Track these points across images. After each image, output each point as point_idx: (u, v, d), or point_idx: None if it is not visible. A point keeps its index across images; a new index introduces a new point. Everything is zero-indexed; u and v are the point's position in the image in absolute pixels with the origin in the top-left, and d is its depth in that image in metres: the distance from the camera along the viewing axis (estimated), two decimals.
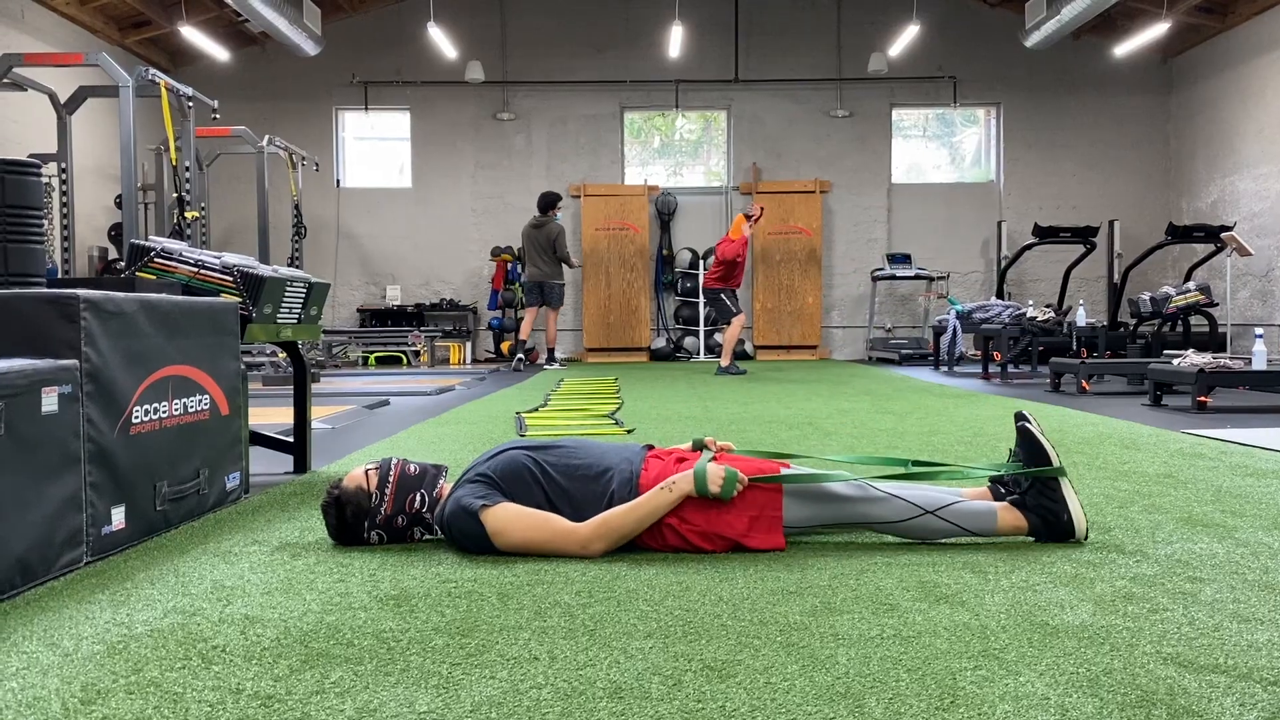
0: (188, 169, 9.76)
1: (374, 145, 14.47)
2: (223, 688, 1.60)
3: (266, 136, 11.55)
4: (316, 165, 12.62)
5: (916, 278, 13.39)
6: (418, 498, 2.60)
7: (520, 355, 11.30)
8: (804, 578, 2.22)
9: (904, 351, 12.38)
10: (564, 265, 11.23)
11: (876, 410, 6.17)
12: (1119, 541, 2.57)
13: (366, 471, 2.61)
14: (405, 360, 12.25)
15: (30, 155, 9.84)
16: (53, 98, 9.46)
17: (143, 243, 3.35)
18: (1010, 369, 9.53)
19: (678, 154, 14.67)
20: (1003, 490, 2.68)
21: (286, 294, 3.61)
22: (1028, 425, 2.61)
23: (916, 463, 2.79)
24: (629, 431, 5.07)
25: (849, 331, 14.21)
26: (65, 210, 9.78)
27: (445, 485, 2.64)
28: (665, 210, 13.96)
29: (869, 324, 13.91)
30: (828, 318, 14.13)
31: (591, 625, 1.90)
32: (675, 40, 12.78)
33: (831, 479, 2.52)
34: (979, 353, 10.11)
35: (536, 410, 6.25)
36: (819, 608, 2.00)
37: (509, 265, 13.31)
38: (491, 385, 9.03)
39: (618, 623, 1.91)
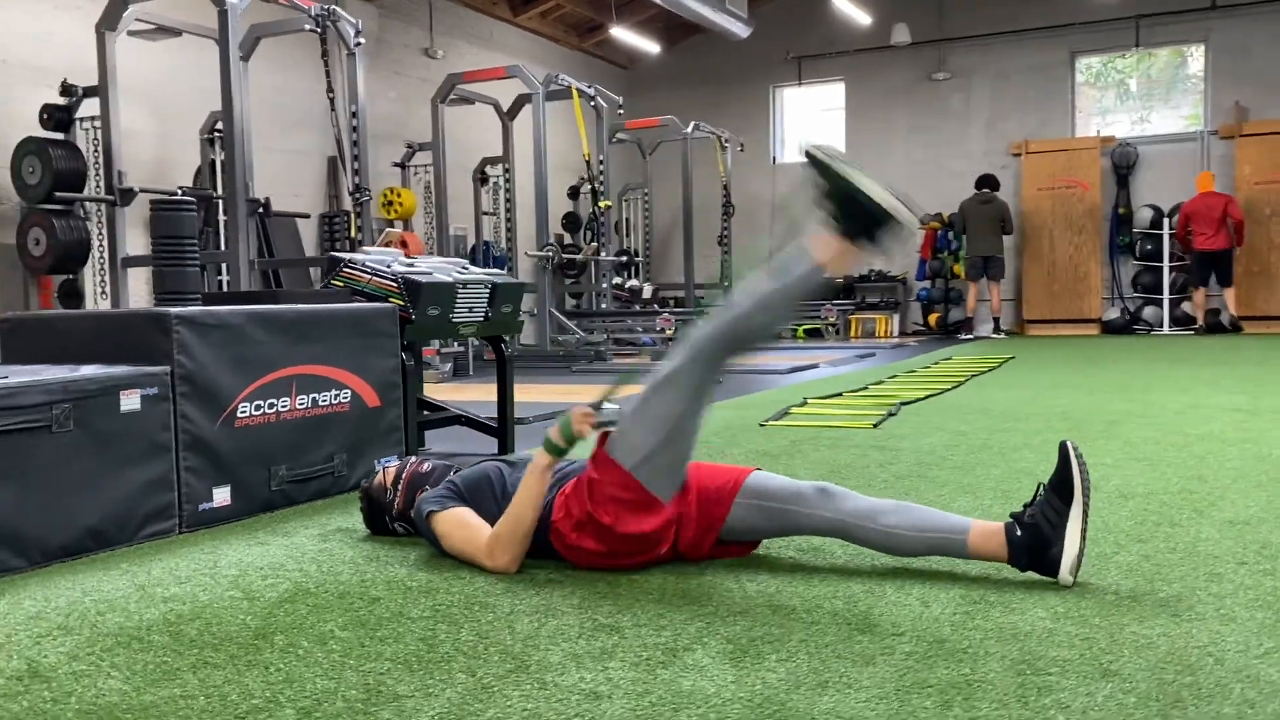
0: (601, 162, 10.68)
1: (811, 120, 14.59)
2: (32, 660, 1.93)
3: (692, 123, 12.21)
4: (741, 146, 13.08)
5: None
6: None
7: (993, 324, 12.06)
8: (666, 605, 2.06)
9: None
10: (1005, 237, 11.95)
11: (1227, 407, 5.13)
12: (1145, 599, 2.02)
13: (385, 468, 2.86)
14: (824, 333, 12.31)
15: (483, 159, 11.38)
16: (496, 107, 10.86)
17: (336, 255, 3.88)
18: None
19: (1141, 98, 12.96)
20: (1019, 532, 2.24)
21: (460, 296, 3.95)
22: (1069, 446, 2.25)
23: None
24: (874, 425, 4.76)
25: None
26: (509, 205, 11.21)
27: None
28: (1123, 164, 12.45)
29: None
30: None
31: (369, 642, 1.96)
32: None
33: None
34: None
35: (832, 398, 6.01)
36: (601, 651, 1.86)
37: (937, 233, 12.77)
38: (873, 362, 8.82)
39: (398, 641, 1.96)
